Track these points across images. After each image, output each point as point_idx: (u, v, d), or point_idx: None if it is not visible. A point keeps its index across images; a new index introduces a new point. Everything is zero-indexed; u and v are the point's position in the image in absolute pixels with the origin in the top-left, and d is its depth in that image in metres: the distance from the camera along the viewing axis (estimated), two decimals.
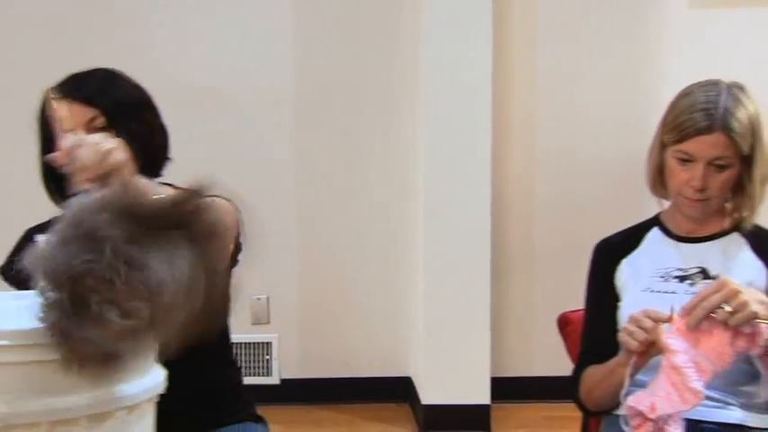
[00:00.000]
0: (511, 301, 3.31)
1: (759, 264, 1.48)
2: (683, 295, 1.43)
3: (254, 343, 3.42)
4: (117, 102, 1.36)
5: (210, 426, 1.52)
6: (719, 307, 1.23)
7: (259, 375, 3.42)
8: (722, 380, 1.42)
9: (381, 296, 3.41)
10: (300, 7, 3.31)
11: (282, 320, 3.43)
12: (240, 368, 1.70)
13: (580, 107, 3.37)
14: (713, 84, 1.48)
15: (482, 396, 3.07)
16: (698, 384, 1.24)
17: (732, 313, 1.21)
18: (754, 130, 1.45)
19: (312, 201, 3.40)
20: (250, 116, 3.35)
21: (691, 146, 1.43)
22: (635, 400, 1.29)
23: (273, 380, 3.43)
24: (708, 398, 1.43)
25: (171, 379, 1.46)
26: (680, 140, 1.45)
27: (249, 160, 3.36)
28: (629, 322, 1.32)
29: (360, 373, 3.44)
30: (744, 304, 1.21)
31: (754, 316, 1.21)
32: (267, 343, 3.42)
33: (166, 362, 1.44)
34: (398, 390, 3.39)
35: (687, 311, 1.25)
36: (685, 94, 1.48)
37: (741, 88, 1.49)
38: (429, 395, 3.09)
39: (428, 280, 3.07)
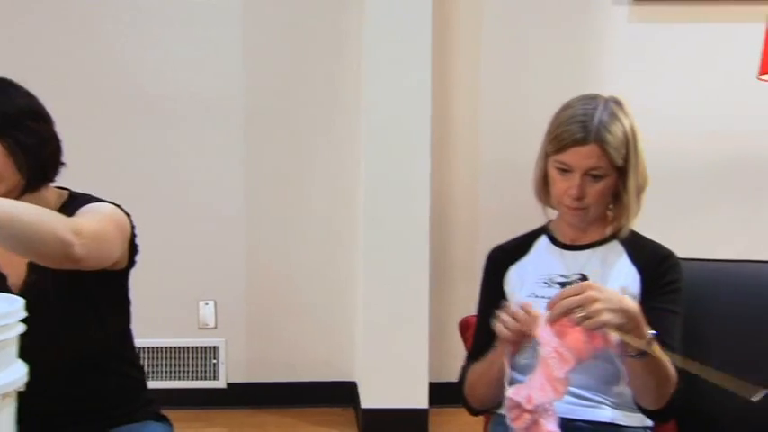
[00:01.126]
0: (452, 307, 3.37)
1: (634, 270, 1.55)
2: None
3: (201, 347, 3.46)
4: (4, 113, 1.40)
5: (111, 423, 1.57)
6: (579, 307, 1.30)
7: (206, 379, 3.47)
8: (594, 380, 1.50)
9: (327, 301, 3.47)
10: (249, 17, 3.37)
11: (229, 325, 3.48)
12: (143, 368, 1.74)
13: (523, 118, 3.44)
14: (592, 98, 1.56)
15: (421, 400, 3.12)
16: (560, 373, 1.30)
17: (585, 318, 1.27)
18: (628, 143, 1.52)
19: (259, 208, 3.46)
20: (198, 124, 3.40)
21: (568, 156, 1.51)
22: (514, 392, 1.35)
23: (220, 384, 3.48)
24: (580, 397, 1.51)
25: (71, 378, 1.52)
26: (558, 151, 1.52)
27: (197, 168, 3.41)
28: (506, 314, 1.39)
29: (306, 378, 3.49)
30: (596, 312, 1.27)
31: (603, 325, 1.27)
32: (214, 347, 3.47)
33: (67, 363, 1.51)
34: (344, 394, 3.44)
35: (550, 306, 1.32)
36: (566, 107, 1.55)
37: (618, 103, 1.56)
38: (369, 399, 3.14)
39: (368, 287, 3.13)
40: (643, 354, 1.33)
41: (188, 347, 3.46)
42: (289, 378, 3.50)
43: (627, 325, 1.30)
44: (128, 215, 1.59)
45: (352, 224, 3.37)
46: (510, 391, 1.34)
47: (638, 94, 3.35)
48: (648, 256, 1.55)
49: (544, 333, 1.32)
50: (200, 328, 3.47)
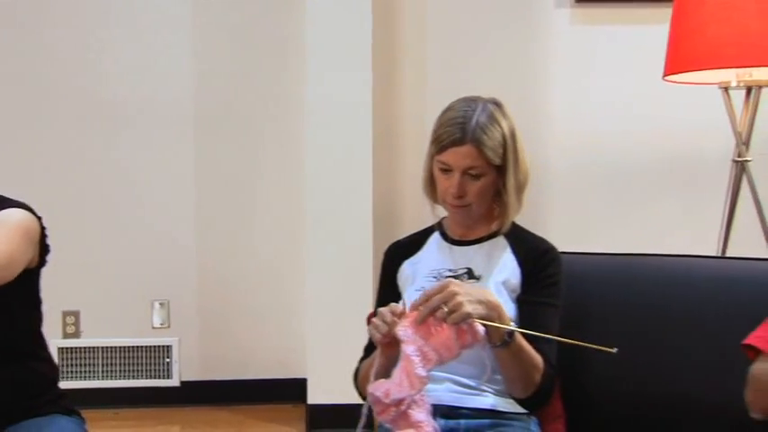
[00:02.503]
0: None
1: (515, 264, 1.62)
2: None
3: (154, 346, 3.53)
4: None
5: (19, 417, 1.63)
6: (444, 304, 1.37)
7: (159, 378, 3.54)
8: (477, 370, 1.56)
9: (277, 300, 3.54)
10: (196, 20, 3.45)
11: (182, 324, 3.55)
12: (55, 364, 1.80)
13: None
14: (472, 100, 1.62)
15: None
16: (422, 371, 1.37)
17: (449, 313, 1.34)
18: (505, 143, 1.59)
19: (210, 209, 3.53)
20: (149, 126, 3.47)
21: (447, 156, 1.58)
22: (373, 387, 1.42)
23: (174, 382, 3.55)
24: (464, 386, 1.58)
25: None
26: (439, 151, 1.59)
27: (148, 170, 3.49)
28: (377, 317, 1.45)
29: (259, 375, 3.56)
30: (458, 305, 1.34)
31: (468, 316, 1.34)
32: (167, 346, 3.54)
33: None
34: (295, 391, 3.50)
35: (414, 307, 1.39)
36: (448, 109, 1.62)
37: (498, 105, 1.63)
38: (316, 395, 3.21)
39: (313, 285, 3.20)
40: (507, 343, 1.40)
41: (142, 347, 3.52)
42: (241, 376, 3.57)
43: (490, 315, 1.37)
44: (38, 217, 1.65)
45: (300, 223, 3.43)
46: (371, 387, 1.41)
47: (581, 93, 3.48)
48: (529, 251, 1.62)
49: (408, 332, 1.39)
50: (154, 328, 3.54)
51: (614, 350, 1.36)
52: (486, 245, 1.66)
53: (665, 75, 2.30)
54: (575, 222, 3.48)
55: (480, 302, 1.36)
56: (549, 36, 3.50)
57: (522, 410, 1.58)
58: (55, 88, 3.43)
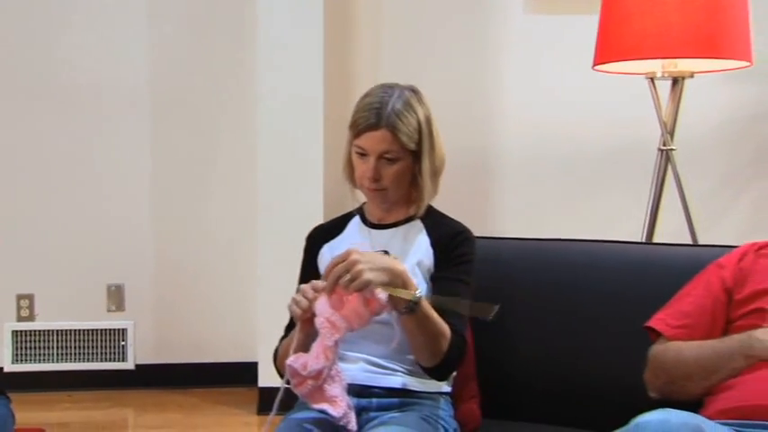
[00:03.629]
0: None
1: (429, 245, 1.66)
2: None
3: (109, 329, 3.55)
4: None
5: None
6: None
7: (114, 361, 3.56)
8: (389, 350, 1.60)
9: (231, 285, 3.57)
10: (153, 8, 3.46)
11: (137, 307, 3.57)
12: None
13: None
14: (389, 86, 1.66)
15: None
16: (329, 341, 1.41)
17: (351, 280, 1.38)
18: (420, 129, 1.62)
19: (166, 195, 3.55)
20: (106, 113, 3.49)
21: (363, 141, 1.61)
22: (292, 360, 1.45)
23: (128, 365, 3.57)
24: (376, 365, 1.62)
25: None
26: (356, 136, 1.62)
27: (105, 155, 3.50)
28: (299, 293, 1.49)
29: (212, 359, 3.60)
30: (359, 272, 1.38)
31: (369, 283, 1.38)
32: (122, 329, 3.56)
33: None
34: (247, 374, 3.53)
35: (323, 278, 1.42)
36: (366, 95, 1.65)
37: (415, 91, 1.67)
38: (267, 378, 3.24)
39: (264, 271, 3.23)
40: (413, 309, 1.44)
41: (96, 330, 3.54)
42: (196, 359, 3.60)
43: (393, 282, 1.41)
44: None
45: (254, 210, 3.45)
46: (290, 359, 1.45)
47: (534, 82, 3.51)
48: (443, 233, 1.66)
49: (319, 305, 1.43)
50: (109, 311, 3.56)
51: (492, 311, 1.41)
52: (402, 228, 1.70)
53: (594, 65, 2.34)
54: (527, 209, 3.52)
55: (382, 270, 1.40)
56: (503, 24, 3.53)
57: (433, 390, 1.62)
58: (11, 74, 3.43)
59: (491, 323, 1.56)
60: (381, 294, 1.41)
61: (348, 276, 1.38)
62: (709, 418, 1.36)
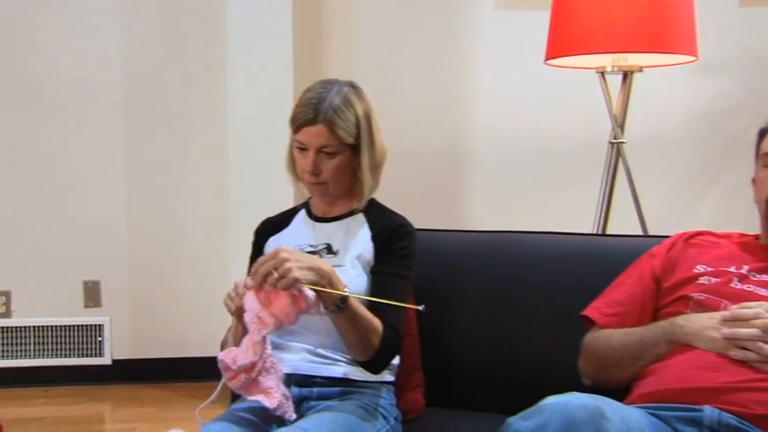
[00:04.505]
0: None
1: (369, 238, 1.69)
2: None
3: (85, 325, 3.59)
4: None
5: None
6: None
7: (91, 356, 3.60)
8: (331, 340, 1.63)
9: (207, 279, 3.59)
10: (125, 4, 3.49)
11: (114, 303, 3.61)
12: None
13: (396, 102, 3.58)
14: (329, 82, 1.69)
15: None
16: (257, 336, 1.45)
17: (279, 278, 1.42)
18: (359, 124, 1.66)
19: (140, 191, 3.58)
20: (79, 110, 3.52)
21: (302, 135, 1.65)
22: (223, 354, 1.49)
23: (105, 360, 3.61)
24: (318, 355, 1.66)
25: None
26: (295, 131, 1.66)
27: (80, 153, 3.54)
28: (232, 289, 1.52)
29: (188, 354, 3.63)
30: (287, 271, 1.41)
31: (296, 281, 1.42)
32: (99, 325, 3.60)
33: None
34: None
35: (252, 275, 1.46)
36: (306, 90, 1.69)
37: (354, 87, 1.70)
38: None
39: (237, 266, 3.24)
40: (341, 308, 1.47)
41: (73, 326, 3.58)
42: (172, 354, 3.64)
43: (320, 281, 1.44)
44: None
45: (226, 207, 3.49)
46: (221, 354, 1.49)
47: (505, 78, 3.54)
48: (383, 227, 1.70)
49: (248, 300, 1.46)
50: (86, 307, 3.60)
51: (422, 307, 1.48)
52: (345, 221, 1.73)
53: (546, 59, 2.37)
54: (499, 204, 3.56)
55: (310, 269, 1.43)
56: (475, 20, 3.56)
57: (374, 379, 1.66)
58: None
59: (437, 315, 1.61)
60: (308, 293, 1.44)
61: (276, 274, 1.42)
62: (633, 402, 1.40)
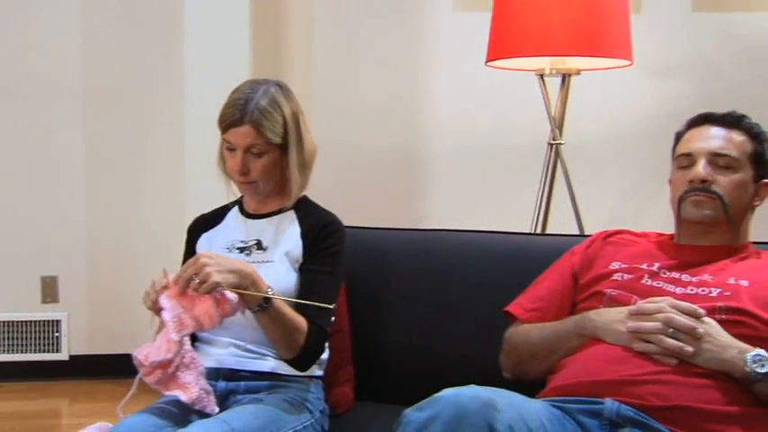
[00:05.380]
0: None
1: (298, 235, 1.72)
2: None
3: (43, 321, 3.60)
4: None
5: None
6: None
7: (48, 352, 3.61)
8: (259, 335, 1.66)
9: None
10: (86, 2, 3.50)
11: (71, 299, 3.62)
12: None
13: (354, 101, 3.62)
14: (257, 82, 1.71)
15: None
16: (175, 336, 1.47)
17: (200, 283, 1.45)
18: (286, 124, 1.68)
19: (98, 185, 3.59)
20: (39, 105, 3.51)
21: (229, 136, 1.67)
22: (138, 351, 1.52)
23: (63, 356, 3.62)
24: (246, 350, 1.69)
25: None
26: (223, 131, 1.69)
27: (38, 146, 3.53)
28: (149, 287, 1.55)
29: None
30: (207, 275, 1.44)
31: (217, 285, 1.45)
32: (56, 321, 3.61)
33: None
34: None
35: (175, 280, 1.49)
36: (234, 91, 1.71)
37: (282, 87, 1.73)
38: None
39: None
40: (264, 308, 1.50)
41: (31, 321, 3.59)
42: (130, 349, 3.60)
43: (242, 283, 1.47)
44: None
45: (183, 201, 3.51)
46: (136, 350, 1.51)
47: (462, 78, 3.58)
48: (313, 224, 1.72)
49: (168, 301, 1.49)
50: (43, 303, 3.60)
51: (332, 306, 1.55)
52: (276, 218, 1.76)
53: (487, 61, 2.41)
54: (454, 202, 3.59)
55: (231, 272, 1.46)
56: (432, 21, 3.60)
57: (303, 374, 1.68)
58: None
59: (369, 311, 1.65)
60: (230, 296, 1.47)
61: (198, 279, 1.45)
62: (545, 395, 1.44)
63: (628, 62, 2.26)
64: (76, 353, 3.63)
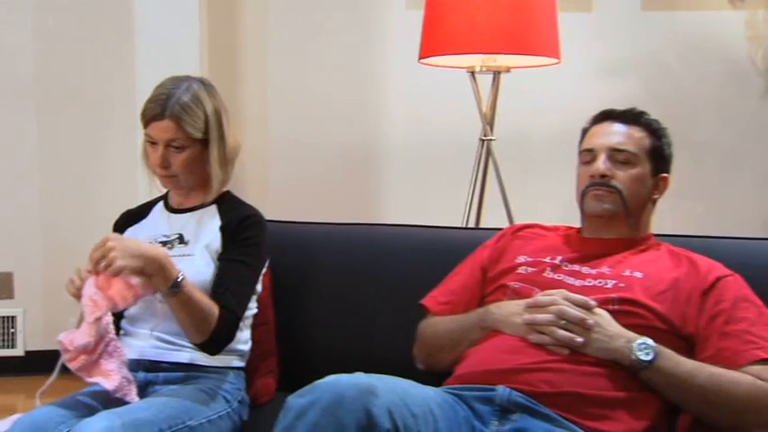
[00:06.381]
0: None
1: (218, 229, 1.76)
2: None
3: None
4: None
5: None
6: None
7: (4, 348, 3.62)
8: (178, 326, 1.70)
9: None
10: (40, 2, 3.52)
11: (27, 294, 3.63)
12: None
13: (310, 98, 3.65)
14: (180, 79, 1.75)
15: None
16: (91, 318, 1.51)
17: (107, 266, 1.48)
18: (208, 120, 1.72)
19: (53, 181, 3.60)
20: None
21: (150, 130, 1.71)
22: (63, 336, 1.56)
23: (18, 352, 3.63)
24: (166, 342, 1.72)
25: None
26: (145, 125, 1.72)
27: None
28: (74, 274, 1.59)
29: None
30: (113, 259, 1.48)
31: (122, 269, 1.48)
32: (12, 317, 3.62)
33: None
34: None
35: (93, 263, 1.53)
36: (157, 86, 1.75)
37: (205, 84, 1.77)
38: None
39: None
40: (173, 292, 1.54)
41: None
42: None
43: (147, 268, 1.51)
44: None
45: (136, 198, 3.53)
46: (60, 335, 1.55)
47: (413, 74, 3.61)
48: (232, 217, 1.76)
49: (86, 285, 1.53)
50: None
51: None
52: (198, 212, 1.80)
53: (419, 59, 2.45)
54: (411, 196, 3.63)
55: (135, 256, 1.50)
56: (386, 20, 3.63)
57: (221, 364, 1.72)
58: None
59: (293, 303, 1.68)
60: (134, 280, 1.50)
61: (104, 262, 1.48)
62: (448, 384, 1.49)
63: (555, 60, 2.31)
64: (32, 348, 3.64)
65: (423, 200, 3.63)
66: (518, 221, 2.55)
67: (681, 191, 3.53)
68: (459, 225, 2.62)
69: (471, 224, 2.52)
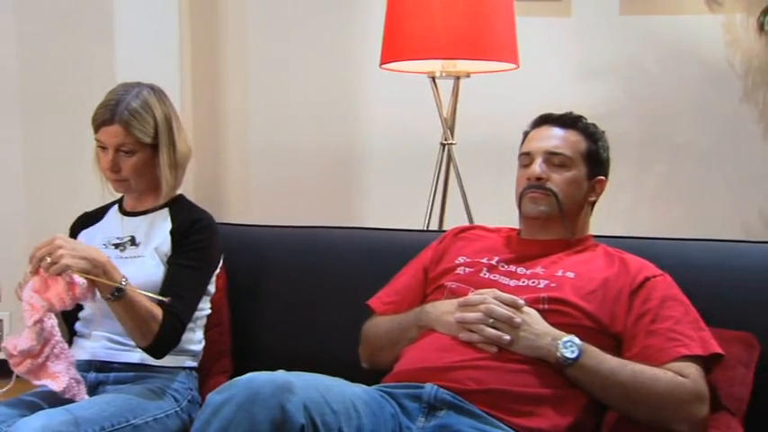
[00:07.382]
0: None
1: (168, 231, 1.79)
2: (115, 260, 1.72)
3: None
4: None
5: None
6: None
7: None
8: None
9: None
10: (21, 4, 3.57)
11: (14, 298, 3.65)
12: None
13: (289, 103, 3.69)
14: (131, 85, 1.80)
15: None
16: (30, 321, 1.55)
17: (51, 264, 1.52)
18: (157, 125, 1.76)
19: (40, 185, 3.63)
20: None
21: (100, 135, 1.77)
22: (7, 342, 1.59)
23: (3, 355, 3.67)
24: (116, 342, 1.76)
25: None
26: (95, 130, 1.77)
27: None
28: (22, 279, 1.63)
29: None
30: (59, 257, 1.51)
31: (67, 268, 1.52)
32: None
33: None
34: None
35: (30, 260, 1.56)
36: (108, 92, 1.80)
37: (155, 90, 1.81)
38: None
39: None
40: (116, 297, 1.57)
41: None
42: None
43: (93, 270, 1.54)
44: None
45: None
46: (4, 341, 1.58)
47: (392, 78, 3.63)
48: (183, 221, 1.80)
49: (25, 289, 1.56)
50: None
51: (167, 299, 1.62)
52: (150, 216, 1.84)
53: (380, 64, 2.48)
54: (386, 199, 3.65)
55: (83, 258, 1.53)
56: (365, 23, 3.65)
57: (171, 364, 1.76)
58: None
59: (247, 305, 1.71)
60: (79, 280, 1.53)
61: (49, 260, 1.52)
62: (384, 382, 1.52)
63: (513, 66, 2.33)
64: None
65: (396, 203, 3.63)
66: (479, 224, 2.59)
67: (659, 193, 3.60)
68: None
69: (434, 227, 2.54)
